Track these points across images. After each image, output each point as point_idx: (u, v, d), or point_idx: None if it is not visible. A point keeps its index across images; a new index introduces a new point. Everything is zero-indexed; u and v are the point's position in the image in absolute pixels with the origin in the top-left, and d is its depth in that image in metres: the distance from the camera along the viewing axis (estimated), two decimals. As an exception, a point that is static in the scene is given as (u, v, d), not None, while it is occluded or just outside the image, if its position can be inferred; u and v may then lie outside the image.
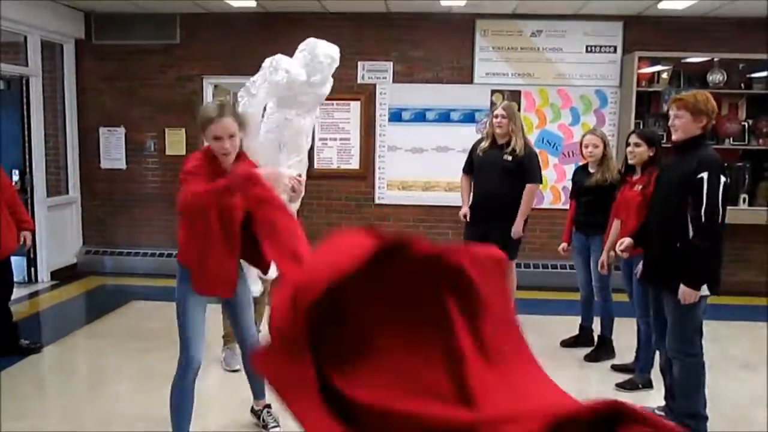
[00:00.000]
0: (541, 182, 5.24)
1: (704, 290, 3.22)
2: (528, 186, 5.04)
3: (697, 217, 3.12)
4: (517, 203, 5.04)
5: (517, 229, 5.05)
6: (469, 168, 5.31)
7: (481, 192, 5.17)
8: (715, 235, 3.15)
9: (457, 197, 5.52)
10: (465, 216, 5.25)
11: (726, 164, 6.46)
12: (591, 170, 4.70)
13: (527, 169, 5.03)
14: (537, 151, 5.45)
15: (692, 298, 3.17)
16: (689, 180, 3.14)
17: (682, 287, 3.17)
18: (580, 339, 4.97)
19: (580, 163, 5.11)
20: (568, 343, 4.98)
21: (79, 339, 5.14)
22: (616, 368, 4.47)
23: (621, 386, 4.15)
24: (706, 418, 3.38)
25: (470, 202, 5.26)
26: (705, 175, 3.10)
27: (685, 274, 3.18)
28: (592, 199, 4.59)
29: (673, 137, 3.35)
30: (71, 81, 7.19)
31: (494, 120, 5.06)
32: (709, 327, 5.46)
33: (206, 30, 7.08)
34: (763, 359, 4.72)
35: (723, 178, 3.12)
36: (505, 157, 4.98)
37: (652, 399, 3.92)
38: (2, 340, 4.62)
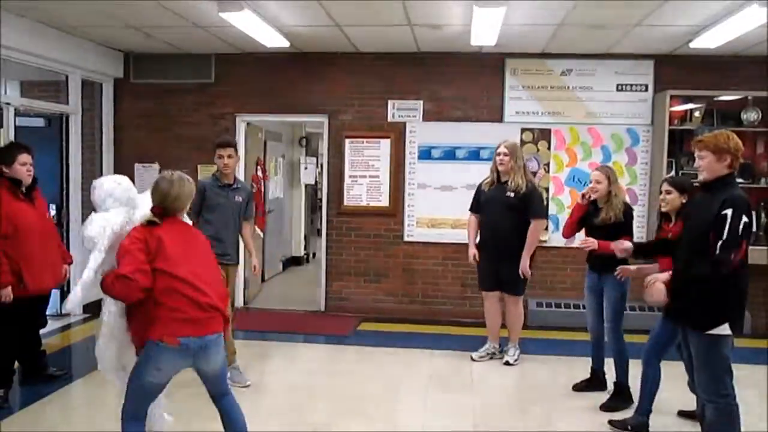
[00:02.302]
0: (545, 218, 5.32)
1: (726, 329, 3.15)
2: (533, 222, 5.20)
3: (714, 250, 3.09)
4: (523, 239, 5.19)
5: (523, 265, 5.20)
6: (476, 207, 5.46)
7: (487, 228, 5.35)
8: (724, 264, 3.08)
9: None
10: (474, 257, 5.43)
11: (762, 203, 6.44)
12: (600, 206, 4.63)
13: (529, 205, 5.18)
14: (540, 190, 5.77)
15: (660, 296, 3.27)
16: (715, 218, 3.12)
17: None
18: (593, 383, 4.81)
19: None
20: (580, 387, 4.82)
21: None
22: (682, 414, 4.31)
23: (613, 424, 4.10)
24: None
25: (480, 234, 5.43)
26: (729, 212, 3.08)
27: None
28: (602, 236, 4.43)
29: (700, 177, 3.36)
30: (109, 118, 7.39)
31: (497, 158, 5.24)
32: (750, 371, 5.39)
33: (240, 69, 7.25)
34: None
35: (745, 218, 3.09)
36: (508, 193, 5.18)
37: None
38: (31, 368, 4.70)
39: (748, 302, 6.61)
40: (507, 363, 5.38)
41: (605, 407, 4.44)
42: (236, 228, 4.86)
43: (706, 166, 3.27)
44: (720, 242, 3.07)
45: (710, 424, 3.28)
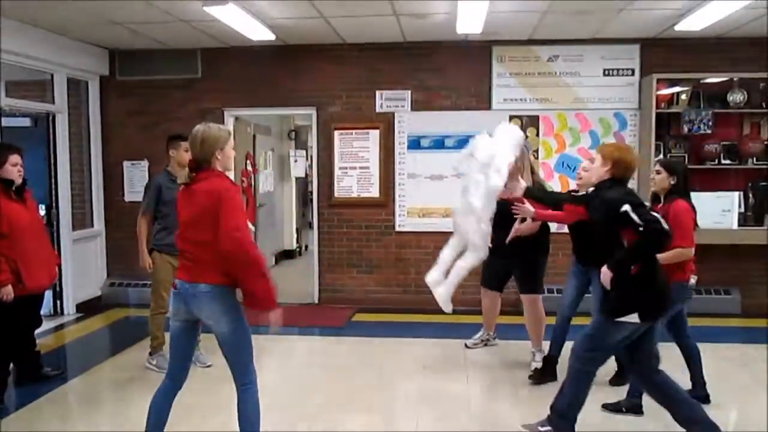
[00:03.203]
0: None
1: (633, 318, 3.36)
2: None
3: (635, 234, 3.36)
4: (535, 236, 4.88)
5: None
6: None
7: (501, 230, 4.87)
8: (656, 242, 3.35)
9: None
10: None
11: (750, 184, 6.49)
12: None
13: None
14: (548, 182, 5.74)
15: (605, 277, 3.42)
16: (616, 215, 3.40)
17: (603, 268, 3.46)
18: (546, 371, 4.70)
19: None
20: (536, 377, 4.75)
21: (105, 371, 5.17)
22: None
23: (606, 407, 4.15)
24: (569, 419, 3.60)
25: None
26: (627, 207, 3.31)
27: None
28: (586, 227, 4.19)
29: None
30: (96, 116, 7.35)
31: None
32: (740, 350, 5.46)
33: (227, 64, 7.22)
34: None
35: (646, 204, 3.53)
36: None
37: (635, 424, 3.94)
38: (26, 368, 4.71)
39: (738, 282, 6.74)
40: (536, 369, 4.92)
41: (615, 382, 4.55)
42: None
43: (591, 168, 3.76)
44: (642, 227, 3.30)
45: (571, 373, 3.64)
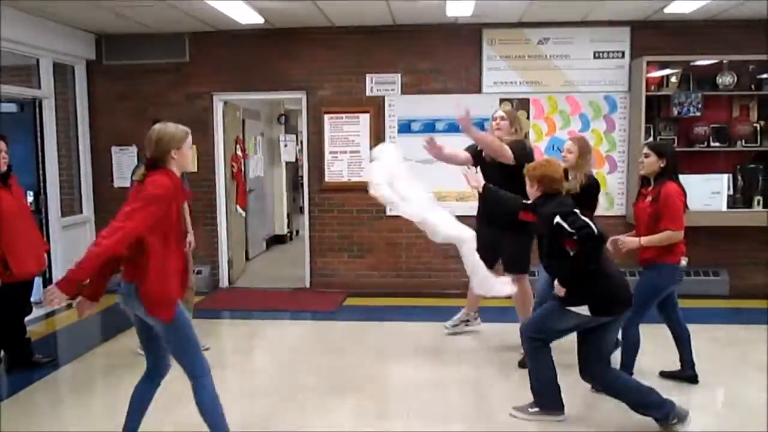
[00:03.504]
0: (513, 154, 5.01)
1: (583, 310, 3.49)
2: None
3: (572, 243, 3.53)
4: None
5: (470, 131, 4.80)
6: (474, 151, 5.09)
7: (482, 202, 5.01)
8: (589, 248, 3.46)
9: (469, 207, 5.54)
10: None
11: (739, 166, 6.53)
12: (570, 177, 4.42)
13: (523, 162, 4.65)
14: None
15: (558, 291, 3.57)
16: (551, 229, 3.60)
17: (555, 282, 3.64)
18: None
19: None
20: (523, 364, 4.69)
21: (96, 358, 5.16)
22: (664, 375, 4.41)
23: (596, 389, 3.99)
24: (549, 396, 3.76)
25: (478, 208, 5.10)
26: (557, 219, 3.51)
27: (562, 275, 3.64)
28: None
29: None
30: (83, 102, 7.28)
31: (493, 123, 4.93)
32: (728, 331, 5.52)
33: (215, 48, 7.15)
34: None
35: (575, 210, 3.59)
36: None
37: (690, 393, 3.88)
38: (16, 355, 4.70)
39: (726, 264, 6.78)
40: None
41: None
42: None
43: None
44: (576, 235, 3.46)
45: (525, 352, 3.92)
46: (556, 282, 3.61)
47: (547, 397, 3.75)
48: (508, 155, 4.69)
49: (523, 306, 5.00)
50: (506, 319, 5.49)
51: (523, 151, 4.74)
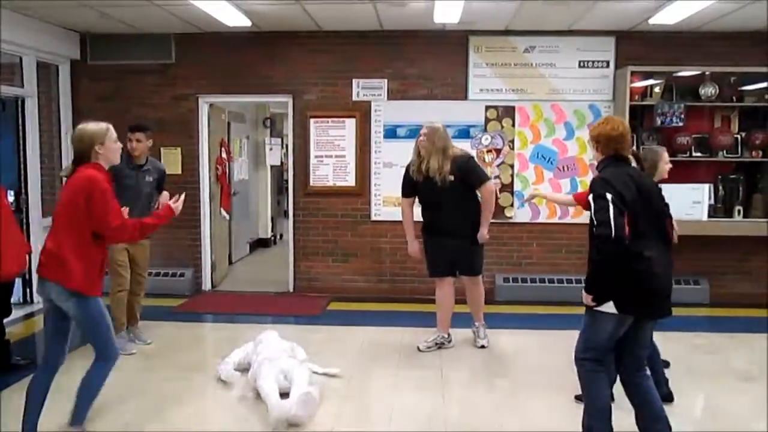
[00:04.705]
0: (490, 178, 5.23)
1: (610, 308, 3.22)
2: (483, 188, 5.05)
3: (592, 235, 3.25)
4: (471, 216, 5.07)
5: (482, 234, 5.09)
6: (410, 191, 5.25)
7: (433, 218, 5.14)
8: (601, 250, 3.15)
9: None
10: (420, 251, 5.32)
11: (720, 176, 6.60)
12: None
13: (470, 176, 5.03)
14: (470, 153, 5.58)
15: (585, 300, 3.27)
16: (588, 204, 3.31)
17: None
18: None
19: None
20: None
21: (75, 359, 5.08)
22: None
23: (580, 399, 3.85)
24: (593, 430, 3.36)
25: (424, 224, 5.24)
26: (590, 196, 3.23)
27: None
28: None
29: None
30: (66, 101, 7.21)
31: (419, 140, 5.07)
32: (708, 339, 5.58)
33: (201, 49, 7.12)
34: (764, 371, 4.71)
35: (609, 195, 3.14)
36: (445, 175, 4.95)
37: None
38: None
39: (707, 273, 6.83)
40: (483, 347, 5.28)
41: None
42: (146, 206, 5.16)
43: (593, 155, 3.52)
44: (594, 227, 3.18)
45: (580, 379, 3.44)
46: (583, 293, 3.29)
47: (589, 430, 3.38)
48: (492, 201, 5.12)
49: (479, 303, 5.31)
50: (491, 325, 5.51)
51: (475, 164, 5.20)
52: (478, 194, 5.11)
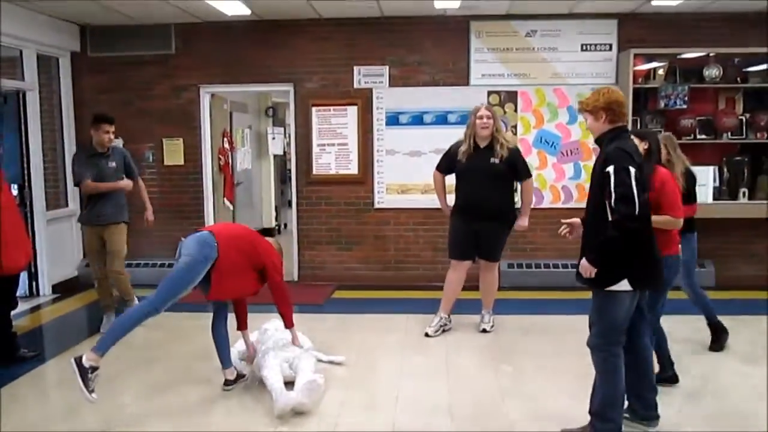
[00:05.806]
0: (531, 175, 5.35)
1: (625, 285, 3.12)
2: (525, 182, 5.23)
3: (610, 210, 3.07)
4: (507, 203, 5.19)
5: (523, 224, 5.27)
6: (446, 169, 5.33)
7: (471, 197, 5.17)
8: (621, 227, 3.04)
9: (430, 200, 5.60)
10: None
11: (725, 158, 6.56)
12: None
13: (519, 168, 5.15)
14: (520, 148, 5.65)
15: (586, 272, 3.15)
16: (600, 175, 3.13)
17: (582, 260, 3.17)
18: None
19: None
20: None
21: (82, 352, 5.10)
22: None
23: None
24: (611, 420, 3.26)
25: (458, 204, 5.28)
26: (611, 168, 3.05)
27: (590, 249, 3.17)
28: None
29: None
30: (68, 94, 7.21)
31: (479, 122, 5.05)
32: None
33: (202, 39, 7.10)
34: (764, 353, 4.71)
35: (632, 169, 3.02)
36: (493, 160, 5.04)
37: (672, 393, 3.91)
38: (2, 350, 4.67)
39: (713, 255, 6.81)
40: (484, 330, 5.34)
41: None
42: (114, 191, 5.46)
43: (589, 127, 3.34)
44: (612, 201, 3.03)
45: (597, 369, 3.32)
46: (583, 260, 3.17)
47: (608, 422, 3.25)
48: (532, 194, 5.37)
49: (492, 291, 5.40)
50: (497, 311, 5.51)
51: (518, 154, 5.26)
52: (517, 185, 5.29)
